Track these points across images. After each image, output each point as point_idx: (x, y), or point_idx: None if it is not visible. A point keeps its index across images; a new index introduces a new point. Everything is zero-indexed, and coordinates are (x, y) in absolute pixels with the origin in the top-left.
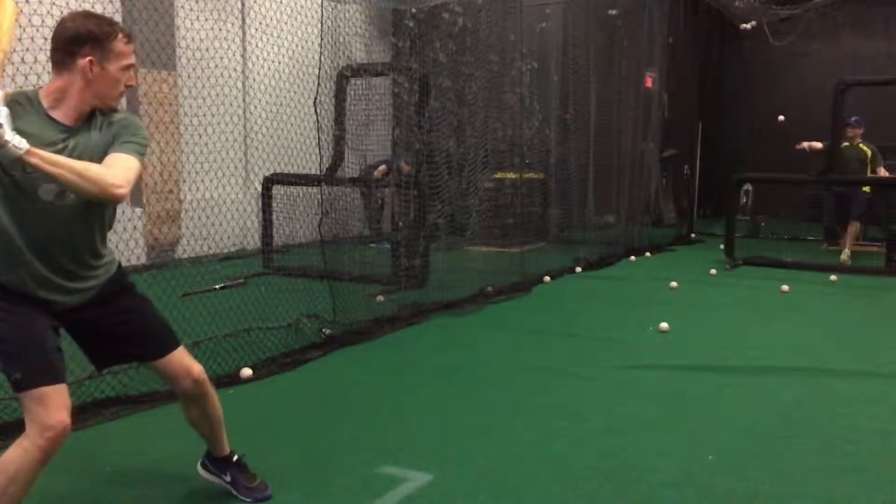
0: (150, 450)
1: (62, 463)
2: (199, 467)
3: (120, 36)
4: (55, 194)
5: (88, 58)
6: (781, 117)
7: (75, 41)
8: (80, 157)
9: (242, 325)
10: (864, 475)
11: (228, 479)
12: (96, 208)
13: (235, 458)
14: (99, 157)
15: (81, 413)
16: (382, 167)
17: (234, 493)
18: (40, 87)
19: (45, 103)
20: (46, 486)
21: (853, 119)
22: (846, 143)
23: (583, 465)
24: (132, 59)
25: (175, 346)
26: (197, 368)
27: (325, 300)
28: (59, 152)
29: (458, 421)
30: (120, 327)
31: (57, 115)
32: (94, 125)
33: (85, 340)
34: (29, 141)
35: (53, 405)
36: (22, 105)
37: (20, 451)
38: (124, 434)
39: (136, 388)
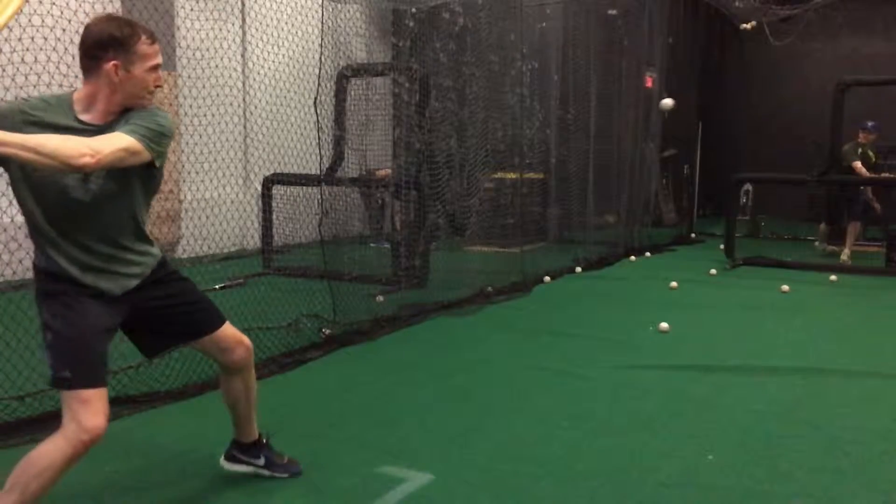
0: (150, 450)
1: None
2: (223, 462)
3: (143, 37)
4: (78, 179)
5: (113, 62)
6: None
7: (98, 46)
8: None
9: (242, 325)
10: (864, 475)
11: (262, 462)
12: (126, 190)
13: (265, 440)
14: None
15: None
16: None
17: (269, 473)
18: (75, 90)
19: (76, 108)
20: None
21: (870, 125)
22: (861, 148)
23: (583, 465)
24: (158, 59)
25: (224, 318)
26: (246, 338)
27: (325, 300)
28: None
29: (458, 421)
30: (174, 308)
31: (86, 117)
32: (122, 120)
33: (140, 328)
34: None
35: (94, 409)
36: (51, 105)
37: (53, 447)
38: (124, 434)
39: (136, 388)
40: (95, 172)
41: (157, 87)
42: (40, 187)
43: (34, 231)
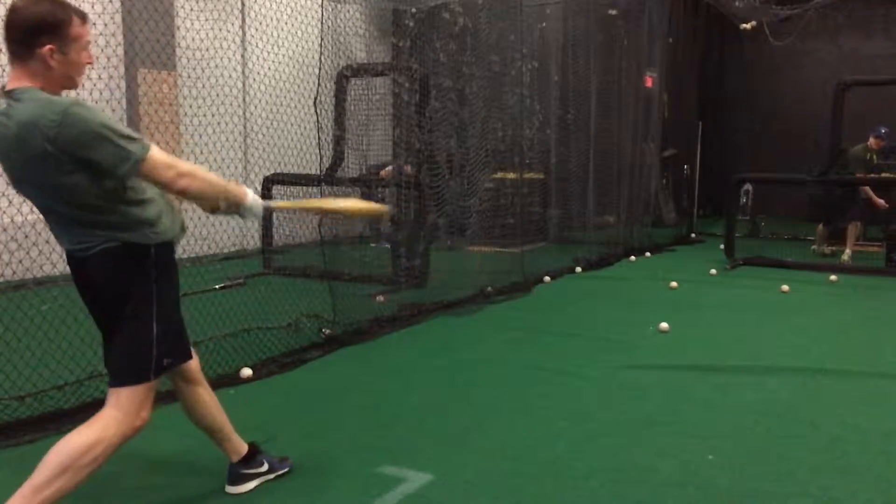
0: (151, 450)
1: None
2: (230, 488)
3: (75, 18)
4: None
5: (48, 46)
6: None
7: (31, 32)
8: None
9: (242, 325)
10: (864, 475)
11: (265, 467)
12: None
13: (255, 445)
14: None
15: (81, 413)
16: (389, 169)
17: (275, 475)
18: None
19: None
20: None
21: (884, 131)
22: (870, 154)
23: (583, 465)
24: (88, 37)
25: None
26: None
27: (325, 300)
28: None
29: (458, 421)
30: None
31: None
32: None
33: None
34: None
35: (150, 400)
36: None
37: (104, 433)
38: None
39: None
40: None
41: (89, 64)
42: None
43: (129, 203)
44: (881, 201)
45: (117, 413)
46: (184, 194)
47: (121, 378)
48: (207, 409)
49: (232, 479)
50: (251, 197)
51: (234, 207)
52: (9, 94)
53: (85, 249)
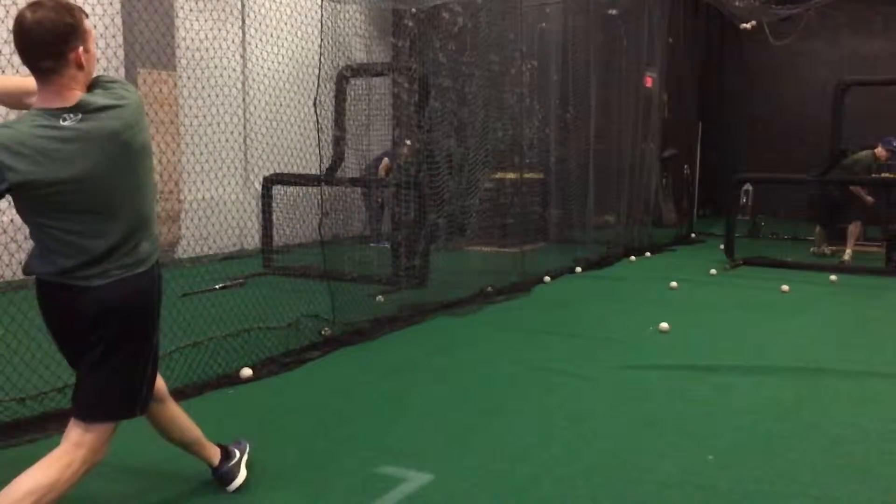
0: (151, 450)
1: None
2: (230, 487)
3: (82, 14)
4: None
5: (80, 49)
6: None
7: (62, 40)
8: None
9: (242, 326)
10: (864, 475)
11: (237, 454)
12: None
13: (220, 443)
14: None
15: None
16: (385, 161)
17: (245, 453)
18: (27, 112)
19: (55, 117)
20: None
21: (895, 143)
22: (877, 163)
23: (583, 465)
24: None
25: None
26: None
27: (326, 300)
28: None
29: (458, 421)
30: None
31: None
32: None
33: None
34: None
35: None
36: (28, 147)
37: (67, 463)
38: (124, 434)
39: None
40: None
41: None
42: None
43: (148, 225)
44: (869, 198)
45: (84, 452)
46: None
47: (98, 413)
48: (183, 423)
49: (224, 479)
50: None
51: None
52: (73, 110)
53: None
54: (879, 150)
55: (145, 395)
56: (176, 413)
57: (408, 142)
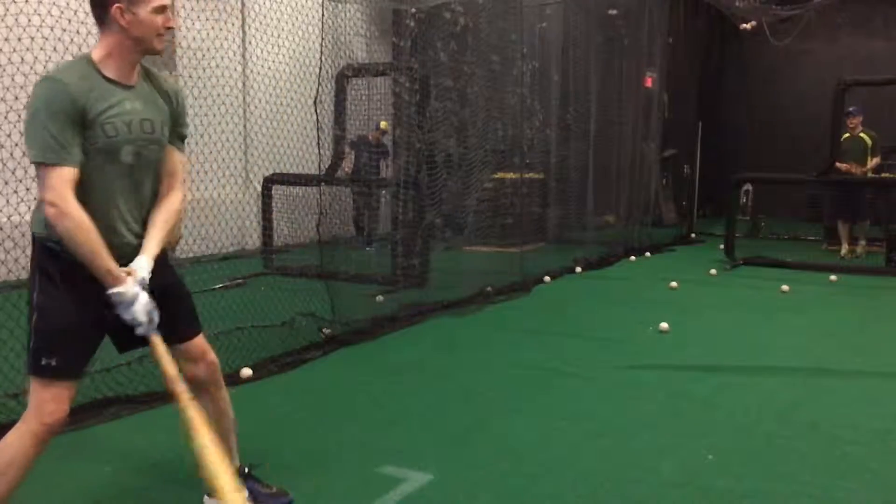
0: (150, 450)
1: (62, 463)
2: (207, 500)
3: None
4: (133, 155)
5: (117, 5)
6: None
7: None
8: (142, 121)
9: (242, 325)
10: (864, 475)
11: (246, 493)
12: (155, 163)
13: (247, 469)
14: (163, 123)
15: (81, 413)
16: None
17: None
18: (89, 52)
19: (99, 66)
20: (47, 485)
21: (851, 109)
22: (847, 135)
23: (583, 465)
24: (164, 0)
25: (200, 328)
26: (212, 353)
27: (325, 300)
28: (120, 113)
29: (458, 421)
30: (163, 302)
31: (110, 73)
32: (153, 86)
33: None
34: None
35: (61, 398)
36: (88, 79)
37: (16, 435)
38: (124, 434)
39: (136, 388)
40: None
41: (168, 28)
42: (102, 165)
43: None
44: (857, 171)
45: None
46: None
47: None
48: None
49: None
50: (125, 289)
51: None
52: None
53: None
54: (849, 124)
55: (42, 358)
56: (204, 409)
57: (382, 124)
